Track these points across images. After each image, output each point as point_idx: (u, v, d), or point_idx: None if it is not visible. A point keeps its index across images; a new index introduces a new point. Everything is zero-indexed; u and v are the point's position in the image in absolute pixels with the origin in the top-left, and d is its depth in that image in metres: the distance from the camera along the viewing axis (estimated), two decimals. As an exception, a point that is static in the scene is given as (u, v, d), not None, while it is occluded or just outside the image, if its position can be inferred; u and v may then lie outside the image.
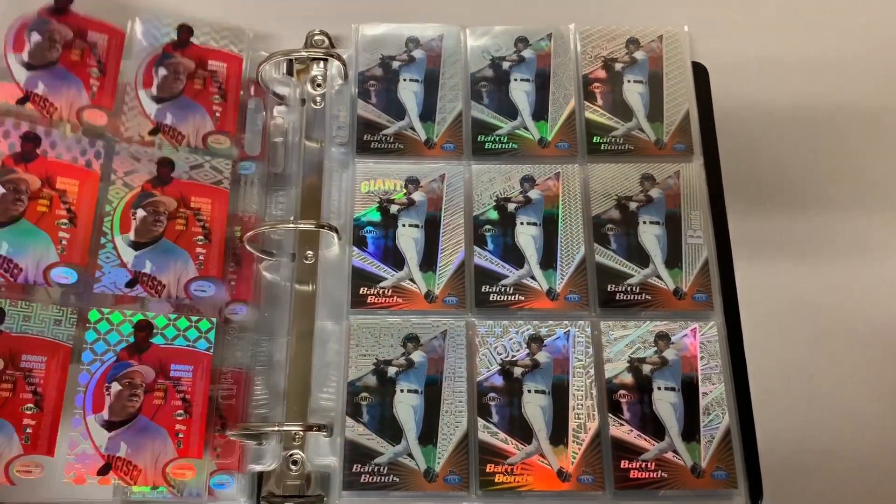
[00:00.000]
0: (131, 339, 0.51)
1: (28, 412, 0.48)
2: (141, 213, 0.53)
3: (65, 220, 0.52)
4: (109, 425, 0.49)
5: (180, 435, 0.50)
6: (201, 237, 0.54)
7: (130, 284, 0.52)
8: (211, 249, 0.54)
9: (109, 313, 0.51)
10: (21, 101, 0.54)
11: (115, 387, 0.49)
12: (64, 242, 0.51)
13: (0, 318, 0.50)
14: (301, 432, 0.53)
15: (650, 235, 0.58)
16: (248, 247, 0.56)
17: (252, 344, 0.56)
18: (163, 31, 0.59)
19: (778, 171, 0.63)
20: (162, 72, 0.58)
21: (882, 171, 0.63)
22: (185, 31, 0.60)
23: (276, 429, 0.53)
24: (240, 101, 0.59)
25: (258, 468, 0.53)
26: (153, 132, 0.57)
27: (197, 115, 0.57)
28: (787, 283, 0.59)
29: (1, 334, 0.49)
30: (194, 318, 0.52)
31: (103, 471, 0.48)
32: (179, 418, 0.50)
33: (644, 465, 0.52)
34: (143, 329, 0.51)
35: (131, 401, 0.49)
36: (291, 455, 0.53)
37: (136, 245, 0.53)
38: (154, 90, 0.58)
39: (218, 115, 0.58)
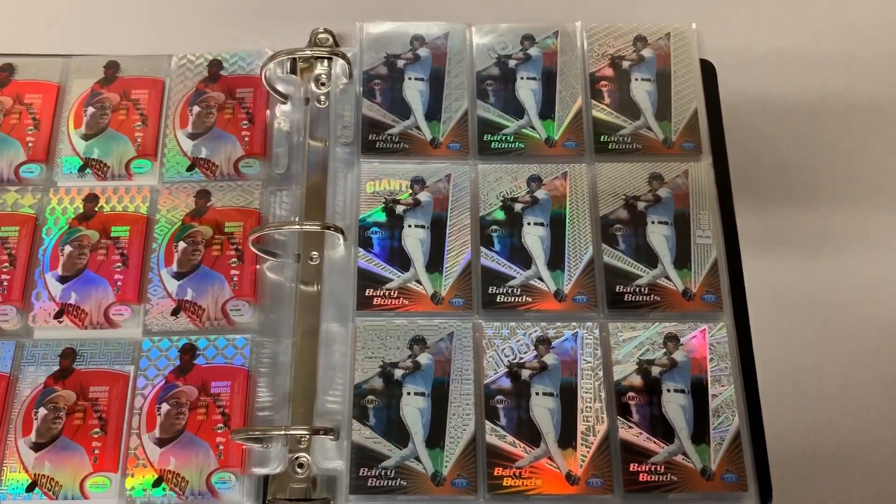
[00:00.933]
0: (177, 363, 0.55)
1: (95, 436, 0.53)
2: (182, 245, 0.57)
3: (119, 264, 0.57)
4: (161, 442, 0.53)
5: (220, 447, 0.53)
6: (235, 259, 0.57)
7: (175, 313, 0.56)
8: (244, 270, 0.57)
9: (159, 341, 0.56)
10: (81, 169, 0.60)
11: (165, 407, 0.54)
12: (119, 284, 0.57)
13: (73, 357, 0.55)
14: (307, 436, 0.53)
15: (659, 236, 0.57)
16: (252, 247, 0.56)
17: (256, 345, 0.55)
18: (195, 72, 0.63)
19: (786, 169, 0.62)
20: (196, 109, 0.61)
21: (891, 166, 0.62)
22: (214, 66, 0.63)
23: (283, 432, 0.52)
24: (266, 120, 0.61)
25: (264, 471, 0.53)
26: (190, 168, 0.60)
27: (228, 144, 0.60)
28: (796, 282, 0.59)
29: (74, 371, 0.55)
30: (231, 337, 0.55)
31: (157, 483, 0.52)
32: (219, 431, 0.53)
33: (653, 468, 0.52)
34: (188, 352, 0.55)
35: (178, 419, 0.53)
36: (297, 458, 0.53)
37: (178, 275, 0.57)
38: (189, 128, 0.61)
39: (247, 139, 0.60)
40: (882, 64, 0.65)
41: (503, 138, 0.60)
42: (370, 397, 0.53)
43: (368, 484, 0.51)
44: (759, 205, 0.61)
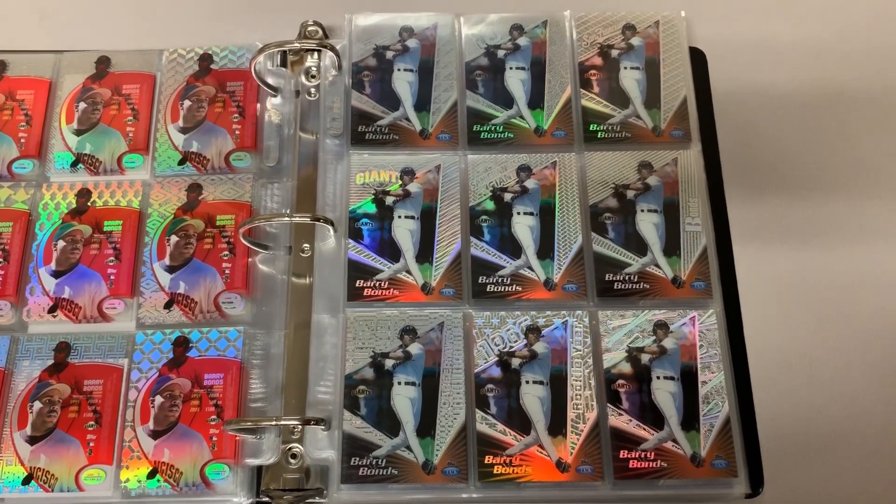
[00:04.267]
0: (171, 355, 0.55)
1: (90, 428, 0.54)
2: (174, 238, 0.58)
3: (112, 258, 0.58)
4: (155, 434, 0.54)
5: (214, 438, 0.53)
6: (227, 252, 0.57)
7: (168, 306, 0.56)
8: (235, 262, 0.57)
9: (152, 334, 0.56)
10: (73, 164, 0.61)
11: (158, 399, 0.54)
12: (112, 278, 0.57)
13: (67, 351, 0.56)
14: (299, 426, 0.53)
15: (648, 224, 0.57)
16: (243, 240, 0.56)
17: (249, 337, 0.56)
18: (186, 66, 0.63)
19: (777, 157, 0.62)
20: (187, 103, 0.61)
21: (882, 154, 0.62)
22: (204, 60, 0.63)
23: (275, 423, 0.53)
24: (256, 113, 0.62)
25: (257, 462, 0.53)
26: (181, 162, 0.60)
27: (219, 138, 0.61)
28: (786, 270, 0.59)
29: (68, 365, 0.55)
30: (224, 329, 0.56)
31: (152, 474, 0.53)
32: (213, 423, 0.53)
33: (643, 454, 0.52)
34: (181, 345, 0.56)
35: (172, 411, 0.54)
36: (290, 449, 0.53)
37: (170, 269, 0.57)
38: (181, 122, 0.61)
39: (238, 132, 0.61)
40: (873, 52, 0.65)
41: (492, 128, 0.60)
42: (361, 387, 0.53)
43: (360, 473, 0.51)
44: (751, 194, 0.61)
